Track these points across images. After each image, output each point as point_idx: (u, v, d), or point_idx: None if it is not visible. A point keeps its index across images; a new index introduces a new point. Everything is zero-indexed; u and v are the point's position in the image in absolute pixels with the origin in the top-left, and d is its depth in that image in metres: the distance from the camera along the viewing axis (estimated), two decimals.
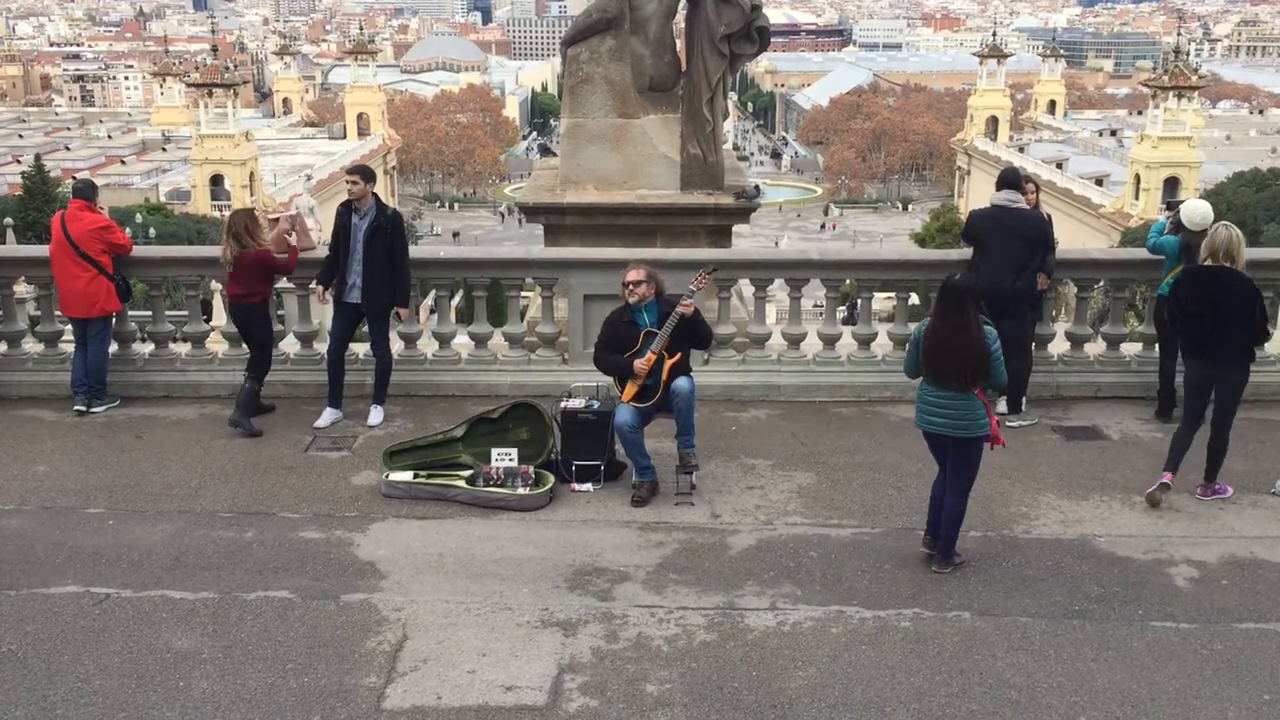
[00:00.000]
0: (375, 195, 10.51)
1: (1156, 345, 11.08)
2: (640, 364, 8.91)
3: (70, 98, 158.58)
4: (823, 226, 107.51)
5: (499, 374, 11.45)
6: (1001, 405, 10.85)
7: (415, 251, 11.43)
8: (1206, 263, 8.95)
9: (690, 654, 6.96)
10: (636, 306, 9.06)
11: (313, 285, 11.08)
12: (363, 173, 10.56)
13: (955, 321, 7.80)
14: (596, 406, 9.37)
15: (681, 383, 8.99)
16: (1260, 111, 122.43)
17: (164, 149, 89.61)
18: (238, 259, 10.52)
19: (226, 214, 56.28)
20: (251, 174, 71.64)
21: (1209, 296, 8.89)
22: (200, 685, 6.61)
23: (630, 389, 9.04)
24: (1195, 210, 10.31)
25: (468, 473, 9.17)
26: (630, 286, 9.03)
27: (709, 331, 9.41)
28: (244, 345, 11.03)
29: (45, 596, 7.56)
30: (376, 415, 10.61)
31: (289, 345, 11.76)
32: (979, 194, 67.47)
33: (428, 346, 11.80)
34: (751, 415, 10.92)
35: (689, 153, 12.67)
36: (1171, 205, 10.85)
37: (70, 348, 11.37)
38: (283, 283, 11.57)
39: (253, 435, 10.31)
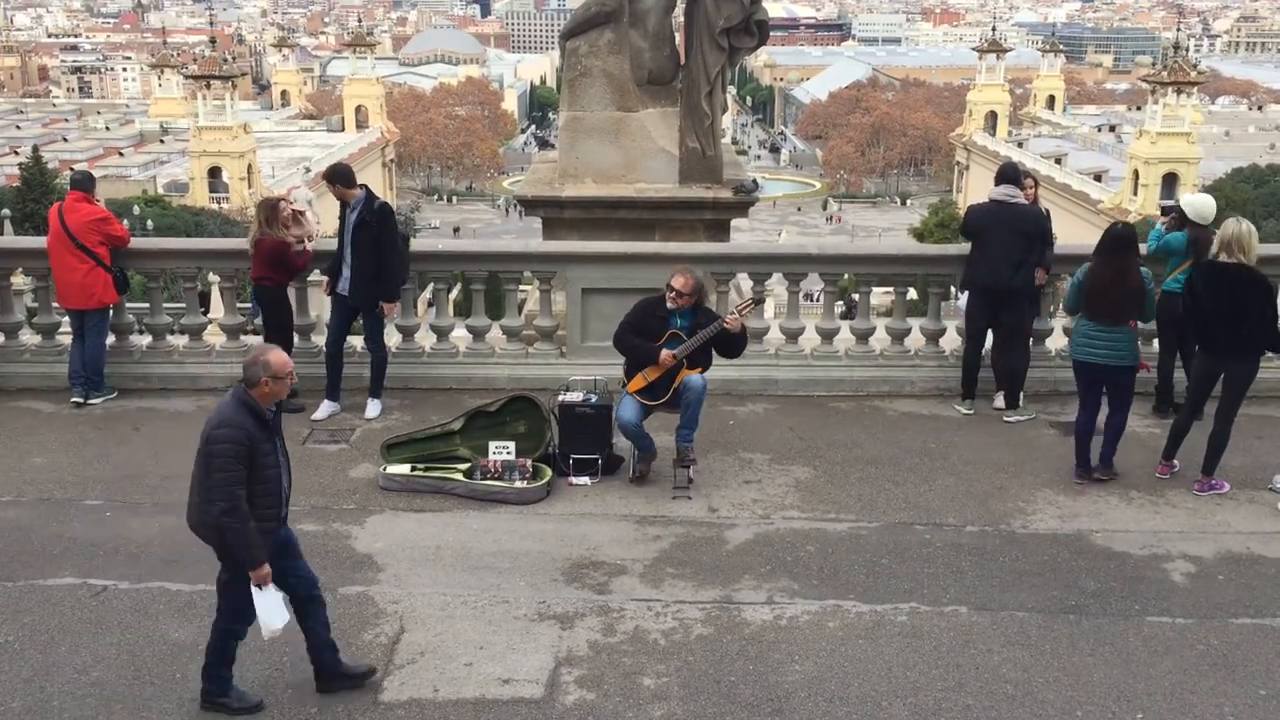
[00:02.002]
0: (365, 188, 10.47)
1: (1155, 341, 11.07)
2: (667, 355, 8.91)
3: (68, 89, 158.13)
4: (829, 219, 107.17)
5: (497, 367, 11.45)
6: (999, 400, 10.88)
7: (413, 245, 11.40)
8: (1220, 257, 8.98)
9: (687, 648, 6.96)
10: (673, 310, 9.02)
11: (311, 277, 11.13)
12: (328, 176, 10.61)
13: (1118, 265, 9.09)
14: (594, 400, 9.37)
15: (695, 378, 9.02)
16: (1259, 107, 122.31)
17: (162, 141, 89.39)
18: (256, 244, 10.62)
19: (226, 206, 55.83)
20: (250, 166, 71.49)
21: (1222, 290, 8.92)
22: (198, 677, 6.60)
23: (638, 380, 9.04)
24: (1204, 204, 10.33)
25: (465, 466, 9.17)
26: (673, 295, 8.93)
27: (744, 347, 9.42)
28: (242, 336, 11.02)
29: (43, 588, 7.57)
30: (374, 408, 10.60)
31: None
32: (978, 189, 67.38)
33: (425, 339, 11.79)
34: (749, 409, 10.92)
35: (688, 146, 12.67)
36: (1166, 211, 10.79)
37: (68, 339, 11.36)
38: None
39: (294, 410, 10.47)
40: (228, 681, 6.29)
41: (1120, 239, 9.28)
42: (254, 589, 6.02)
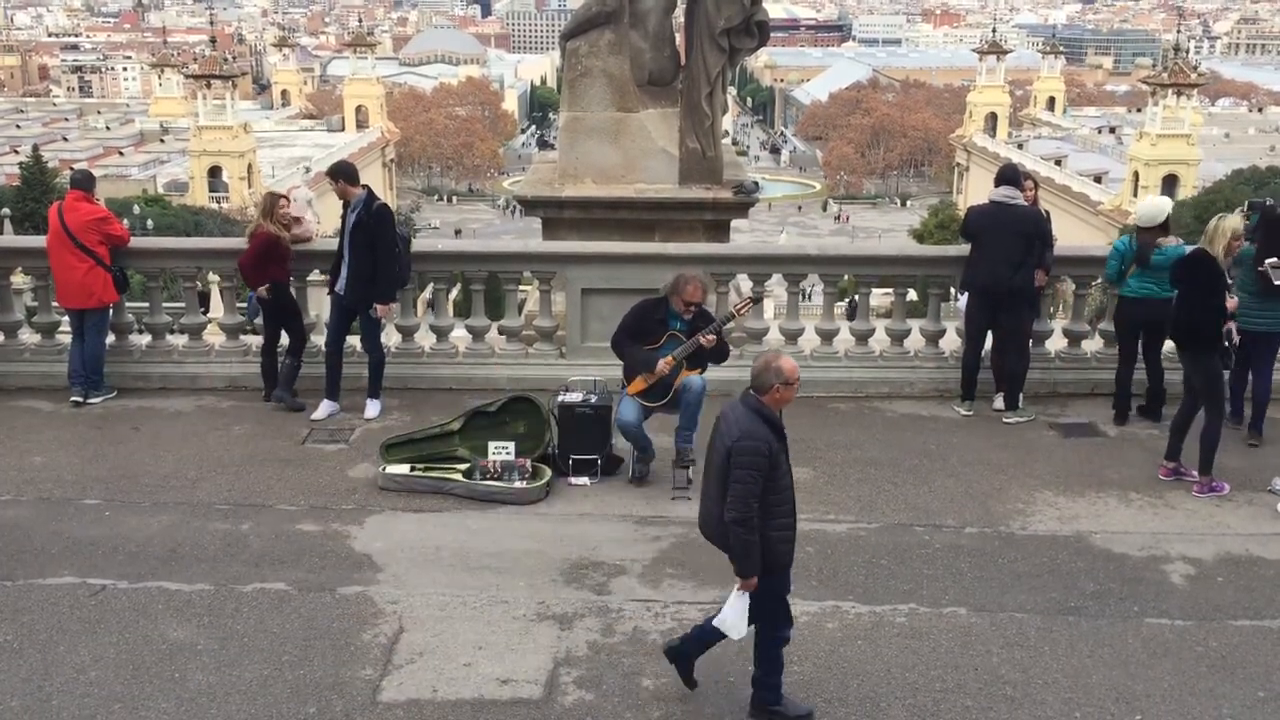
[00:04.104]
0: (366, 188, 10.46)
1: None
2: (662, 365, 8.92)
3: (68, 88, 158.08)
4: (837, 218, 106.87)
5: (496, 367, 11.45)
6: (998, 401, 10.87)
7: (413, 245, 11.39)
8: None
9: None
10: (675, 314, 9.02)
11: (312, 277, 11.13)
12: (332, 172, 10.62)
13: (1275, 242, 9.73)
14: (594, 400, 9.37)
15: (695, 379, 9.03)
16: (1259, 109, 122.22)
17: (162, 140, 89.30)
18: (251, 235, 10.63)
19: (226, 205, 55.69)
20: (250, 166, 71.47)
21: (1176, 281, 9.42)
22: (196, 677, 6.62)
23: (638, 383, 9.04)
24: (1148, 208, 10.55)
25: (464, 466, 9.16)
26: (691, 307, 8.93)
27: (727, 353, 9.44)
28: (241, 336, 11.02)
29: (41, 587, 7.57)
30: (373, 408, 10.60)
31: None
32: (978, 190, 67.33)
33: (425, 339, 11.79)
34: None
35: (688, 147, 12.67)
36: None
37: (67, 339, 11.36)
38: None
39: (295, 409, 10.50)
40: (779, 689, 6.30)
41: (1275, 219, 9.87)
42: (734, 592, 6.08)
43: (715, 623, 6.21)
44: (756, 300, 10.26)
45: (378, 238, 10.26)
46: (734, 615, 6.10)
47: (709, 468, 6.22)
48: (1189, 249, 9.95)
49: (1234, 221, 9.34)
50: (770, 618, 6.23)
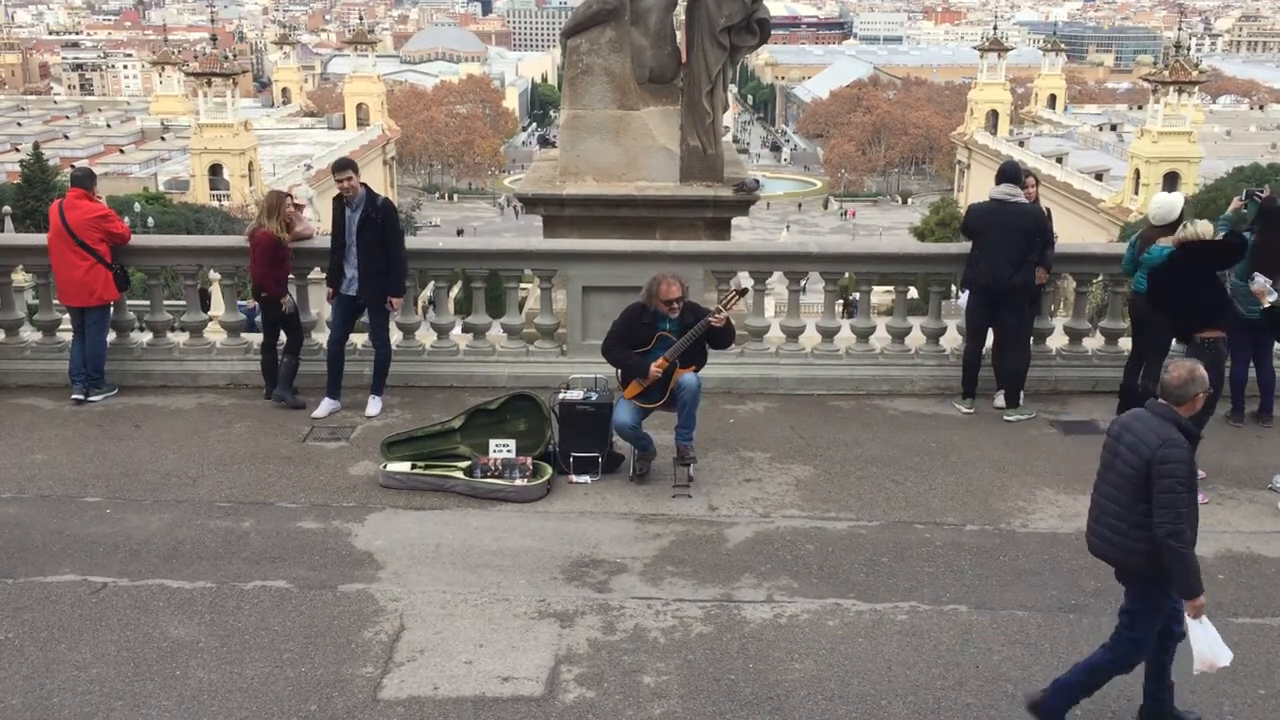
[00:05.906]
0: (365, 186, 10.48)
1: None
2: (655, 370, 8.91)
3: (69, 86, 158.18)
4: (843, 214, 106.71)
5: (497, 365, 11.45)
6: (999, 399, 10.87)
7: (414, 243, 11.43)
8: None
9: (687, 646, 6.96)
10: (663, 315, 8.99)
11: (312, 275, 11.12)
12: (348, 165, 10.61)
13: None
14: (595, 398, 9.37)
15: (689, 378, 9.00)
16: (1260, 107, 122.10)
17: (163, 138, 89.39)
18: (251, 236, 10.64)
19: (227, 203, 55.63)
20: (250, 164, 71.53)
21: (1165, 279, 9.69)
22: (197, 674, 6.62)
23: (634, 387, 9.03)
24: (1160, 207, 10.49)
25: (465, 464, 9.16)
26: (673, 304, 8.87)
27: (733, 335, 9.41)
28: (243, 334, 11.02)
29: (42, 585, 7.57)
30: (375, 406, 10.61)
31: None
32: (979, 188, 67.39)
33: (426, 338, 11.79)
34: (750, 408, 10.92)
35: (689, 145, 12.67)
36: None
37: (68, 336, 11.36)
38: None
39: (296, 407, 10.55)
40: (1062, 714, 6.15)
41: (1274, 210, 10.13)
42: (1190, 621, 5.79)
43: (1196, 669, 5.81)
44: (742, 293, 10.23)
45: (387, 231, 10.29)
46: (1204, 646, 5.73)
47: (1105, 481, 5.94)
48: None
49: (1205, 227, 9.47)
50: (1132, 644, 6.01)
